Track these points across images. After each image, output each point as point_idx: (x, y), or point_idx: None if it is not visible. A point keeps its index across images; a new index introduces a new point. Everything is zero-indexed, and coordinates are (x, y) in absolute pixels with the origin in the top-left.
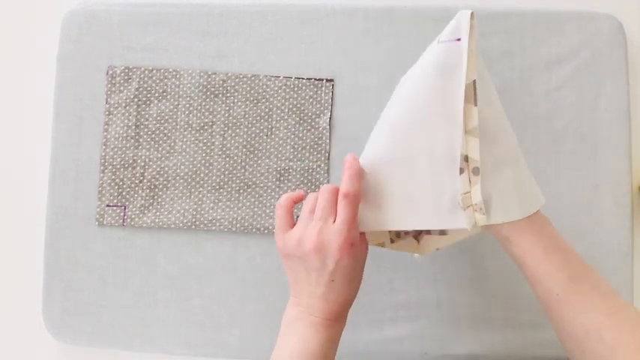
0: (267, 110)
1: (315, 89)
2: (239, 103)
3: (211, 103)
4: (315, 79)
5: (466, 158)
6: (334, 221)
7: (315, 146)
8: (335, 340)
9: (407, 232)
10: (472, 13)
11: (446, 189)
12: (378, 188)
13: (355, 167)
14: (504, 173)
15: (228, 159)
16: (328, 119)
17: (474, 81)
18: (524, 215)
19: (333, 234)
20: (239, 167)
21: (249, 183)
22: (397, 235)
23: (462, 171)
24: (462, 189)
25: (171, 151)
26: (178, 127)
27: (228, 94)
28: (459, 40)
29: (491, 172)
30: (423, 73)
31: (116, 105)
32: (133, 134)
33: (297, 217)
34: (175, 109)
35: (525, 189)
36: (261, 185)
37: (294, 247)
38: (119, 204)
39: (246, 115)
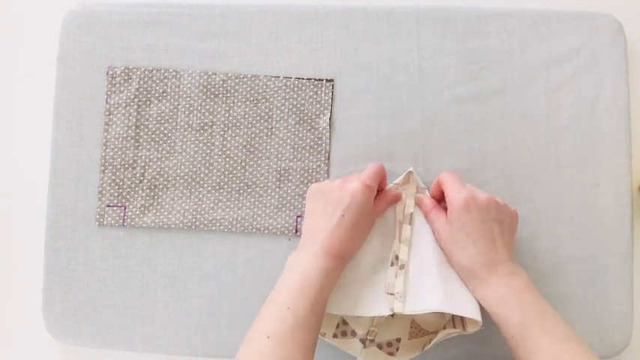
0: (267, 110)
1: (315, 89)
2: (239, 104)
3: (211, 103)
4: (315, 80)
5: (396, 257)
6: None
7: (315, 146)
8: (332, 275)
9: (353, 334)
10: (410, 171)
11: (379, 283)
12: None
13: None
14: (427, 279)
15: (228, 159)
16: (328, 119)
17: (411, 213)
18: (441, 310)
19: (355, 178)
20: (239, 167)
21: (249, 183)
22: (342, 334)
23: (392, 264)
24: (389, 279)
25: (172, 151)
26: (178, 127)
27: (228, 95)
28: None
29: (415, 276)
30: None
31: (116, 105)
32: (133, 134)
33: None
34: (175, 110)
35: (450, 293)
36: (261, 185)
37: (325, 184)
38: (119, 204)
39: (246, 116)
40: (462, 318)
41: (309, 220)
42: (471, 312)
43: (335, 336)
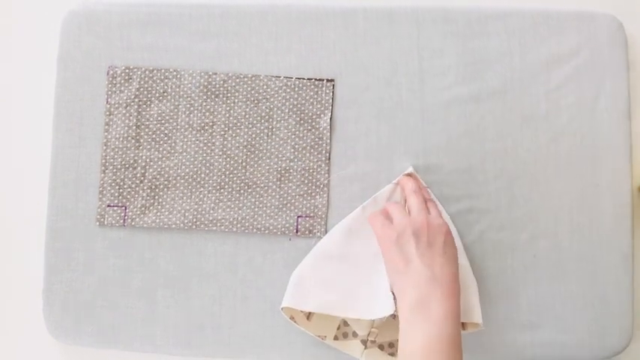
0: (267, 110)
1: (316, 89)
2: (239, 104)
3: (212, 103)
4: (316, 80)
5: None
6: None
7: (316, 146)
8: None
9: (354, 335)
10: (410, 171)
11: (379, 283)
12: (326, 277)
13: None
14: None
15: (228, 159)
16: (329, 119)
17: None
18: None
19: (436, 218)
20: (240, 167)
21: (250, 183)
22: (344, 336)
23: None
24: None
25: (172, 151)
26: (179, 127)
27: (229, 95)
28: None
29: None
30: (381, 193)
31: (117, 105)
32: (133, 134)
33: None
34: (176, 110)
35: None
36: (262, 185)
37: (405, 225)
38: (120, 204)
39: (247, 116)
40: None
41: (405, 268)
42: (475, 316)
43: (336, 338)
